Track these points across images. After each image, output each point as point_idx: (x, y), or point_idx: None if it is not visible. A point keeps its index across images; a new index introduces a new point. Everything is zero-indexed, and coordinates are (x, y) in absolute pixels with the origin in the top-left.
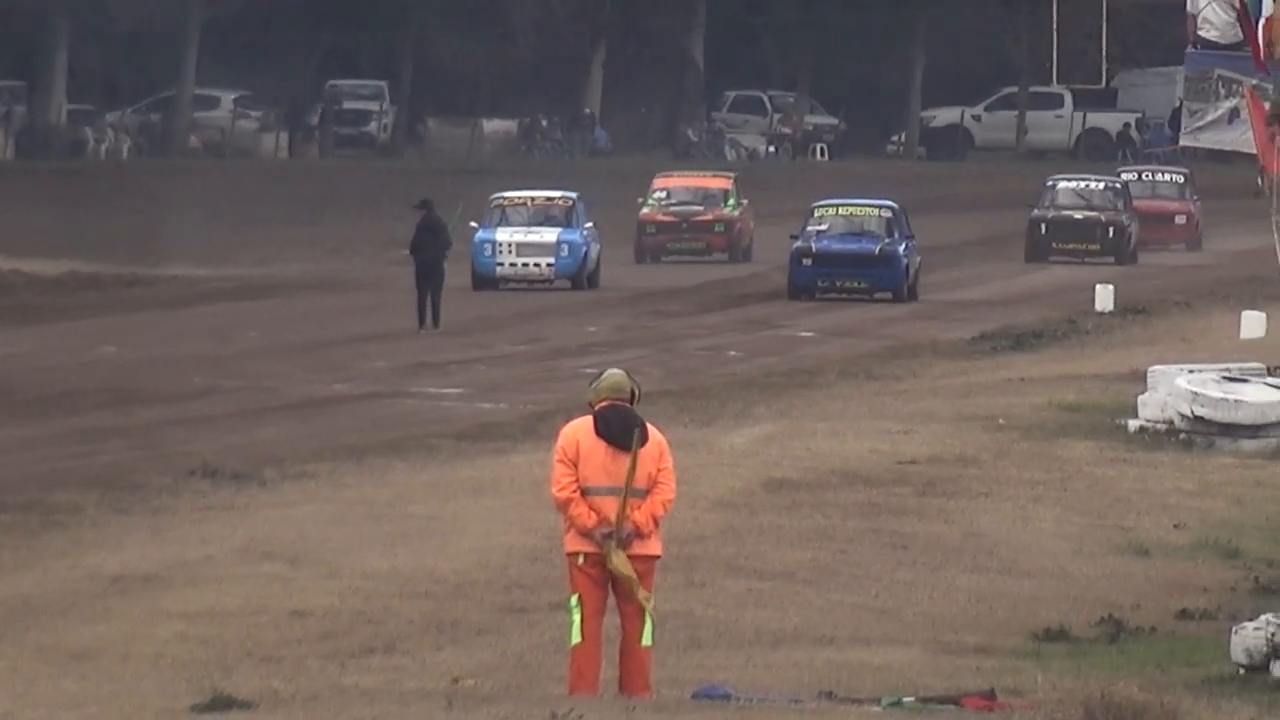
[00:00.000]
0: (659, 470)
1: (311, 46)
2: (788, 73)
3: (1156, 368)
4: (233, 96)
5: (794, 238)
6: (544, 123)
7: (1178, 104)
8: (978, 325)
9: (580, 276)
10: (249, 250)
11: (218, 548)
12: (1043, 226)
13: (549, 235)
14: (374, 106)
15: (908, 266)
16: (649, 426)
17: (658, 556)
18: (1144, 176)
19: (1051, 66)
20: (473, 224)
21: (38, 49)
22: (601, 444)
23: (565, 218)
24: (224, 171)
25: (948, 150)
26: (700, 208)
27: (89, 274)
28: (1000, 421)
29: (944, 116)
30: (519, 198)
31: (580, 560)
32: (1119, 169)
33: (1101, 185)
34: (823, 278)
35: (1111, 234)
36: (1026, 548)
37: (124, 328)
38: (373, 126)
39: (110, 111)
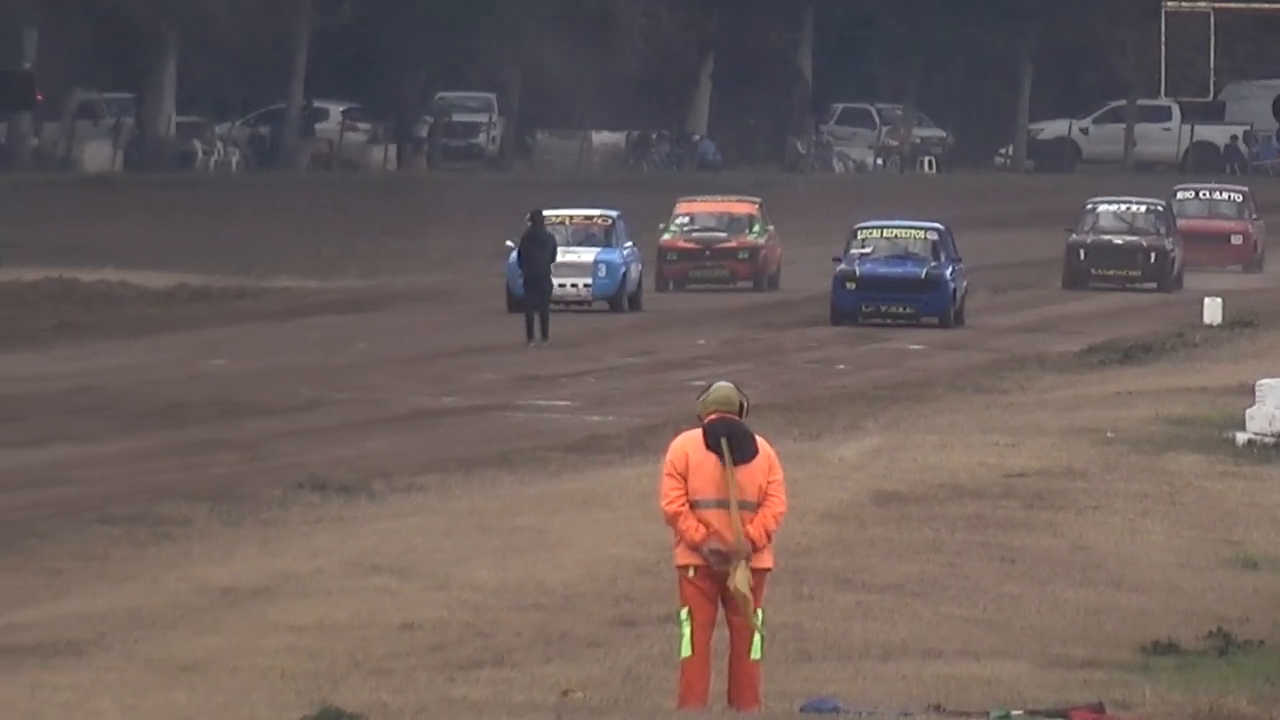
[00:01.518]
0: (769, 483)
1: (420, 59)
2: (896, 85)
3: (1265, 381)
4: (341, 109)
5: (837, 261)
6: (653, 136)
7: None
8: (1086, 338)
9: (619, 298)
10: (357, 262)
11: (327, 560)
12: (1081, 252)
13: (586, 255)
14: (483, 119)
15: (955, 291)
16: (758, 439)
17: (769, 569)
18: (1201, 195)
19: (1160, 79)
20: (509, 243)
21: (147, 61)
22: (712, 457)
23: (604, 237)
24: (332, 183)
25: (1056, 163)
26: (724, 234)
27: (198, 286)
28: (1108, 435)
29: (1052, 129)
30: (556, 216)
31: (690, 573)
32: (1175, 187)
33: (1144, 208)
34: (867, 303)
35: (1154, 259)
36: (1135, 561)
37: (233, 340)
38: (481, 139)
39: (219, 124)
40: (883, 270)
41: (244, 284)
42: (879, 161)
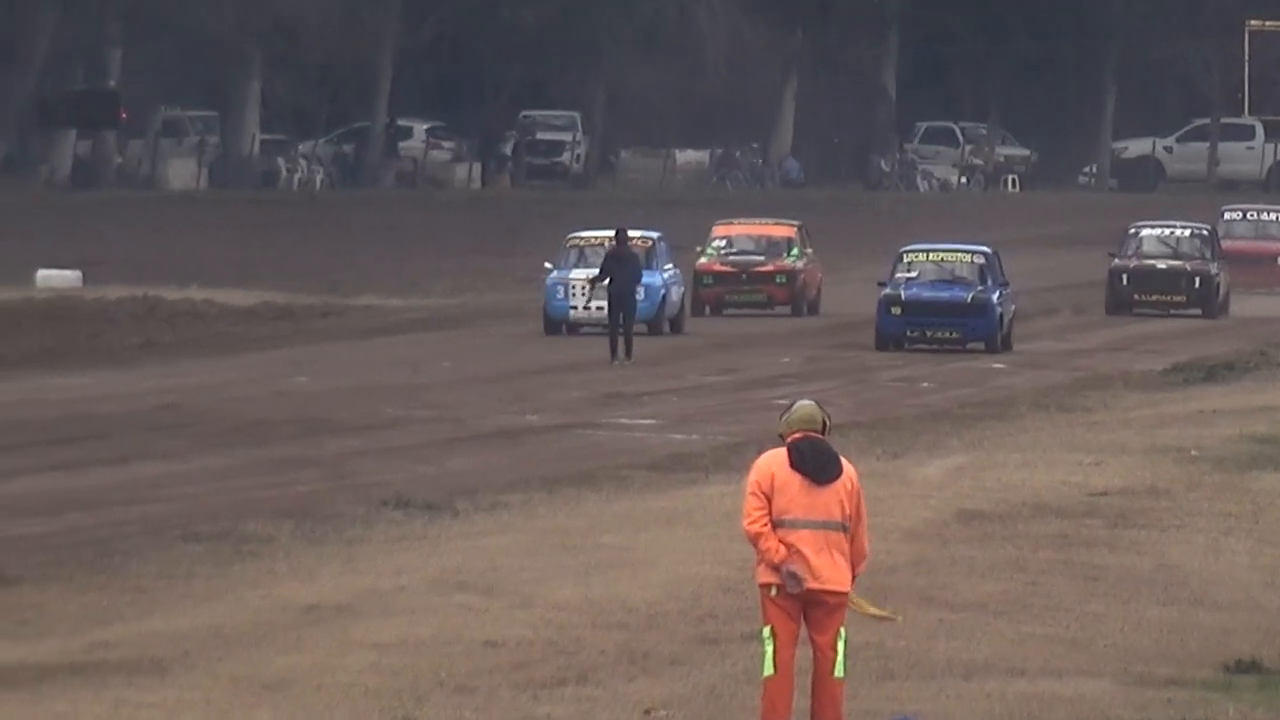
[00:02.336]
0: (855, 516)
1: (504, 77)
2: (979, 103)
3: None
4: (425, 127)
5: (881, 285)
6: (737, 154)
7: None
8: (1169, 357)
9: (658, 321)
10: (441, 280)
11: (410, 578)
12: (1124, 277)
13: None
14: (567, 137)
15: (1001, 316)
16: (843, 460)
17: (846, 593)
18: (1249, 216)
19: (1243, 97)
20: (546, 264)
21: (231, 79)
22: (797, 476)
23: (644, 259)
24: (416, 201)
25: (1139, 181)
26: (761, 257)
27: (282, 304)
28: (1192, 453)
29: (1135, 148)
30: (596, 238)
31: (772, 592)
32: (1223, 208)
33: (1188, 232)
34: (912, 327)
35: (1198, 284)
36: (1218, 579)
37: (317, 358)
38: (565, 157)
39: (303, 142)
40: (928, 294)
41: (328, 302)
42: (963, 180)
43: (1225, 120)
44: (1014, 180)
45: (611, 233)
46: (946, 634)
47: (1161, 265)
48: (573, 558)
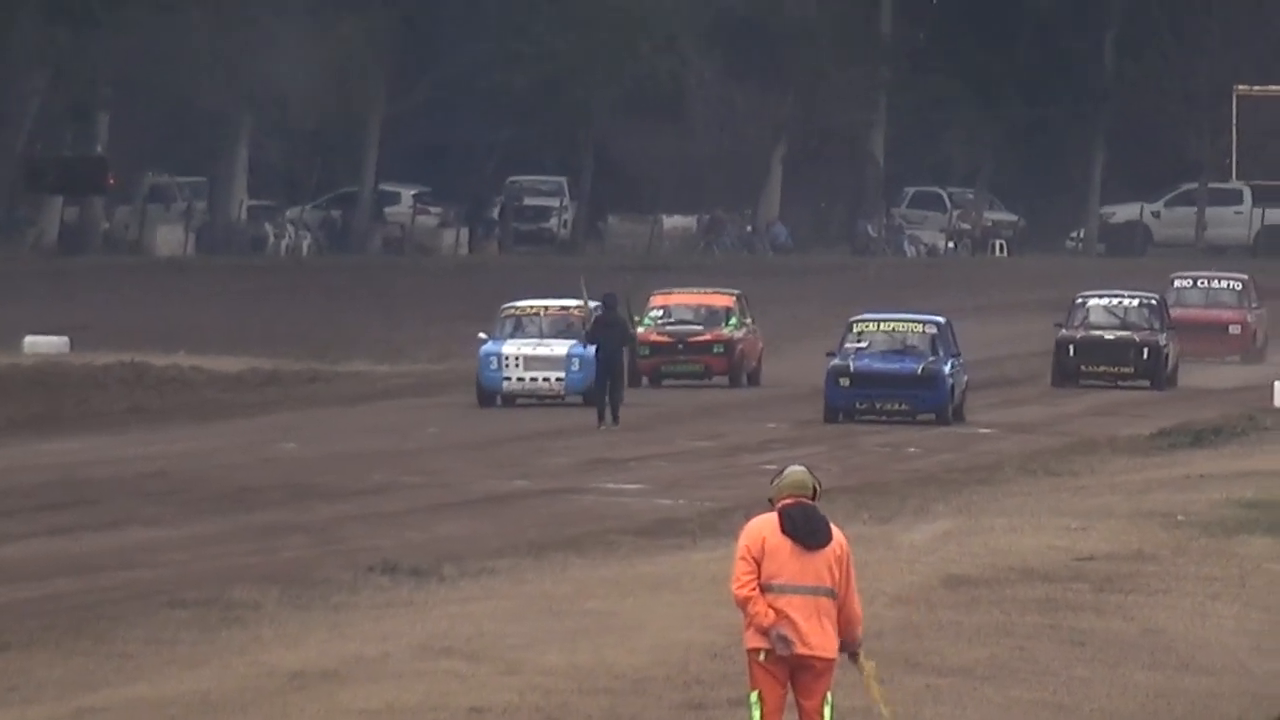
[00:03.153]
0: (845, 581)
1: (492, 142)
2: (967, 168)
3: None
4: (413, 193)
5: (831, 356)
6: (724, 219)
7: None
8: (1156, 421)
9: (593, 393)
10: (428, 346)
11: (397, 644)
12: (1070, 348)
13: (559, 348)
14: (554, 202)
15: (953, 387)
16: (832, 526)
17: (833, 659)
18: (1199, 283)
19: (1231, 162)
20: (481, 335)
21: (218, 146)
22: (787, 542)
23: (580, 329)
24: (404, 267)
25: (1127, 246)
26: (699, 327)
27: (269, 370)
28: (1179, 518)
29: (1123, 213)
30: (531, 307)
31: (760, 656)
32: (1173, 275)
33: (1136, 302)
34: (861, 399)
35: (1146, 355)
36: (1205, 644)
37: (304, 424)
38: (553, 223)
39: (291, 207)
40: (878, 366)
41: (315, 368)
42: (950, 245)
43: (1213, 185)
44: (1001, 245)
45: (546, 303)
46: (933, 699)
47: (1109, 336)
48: (559, 623)
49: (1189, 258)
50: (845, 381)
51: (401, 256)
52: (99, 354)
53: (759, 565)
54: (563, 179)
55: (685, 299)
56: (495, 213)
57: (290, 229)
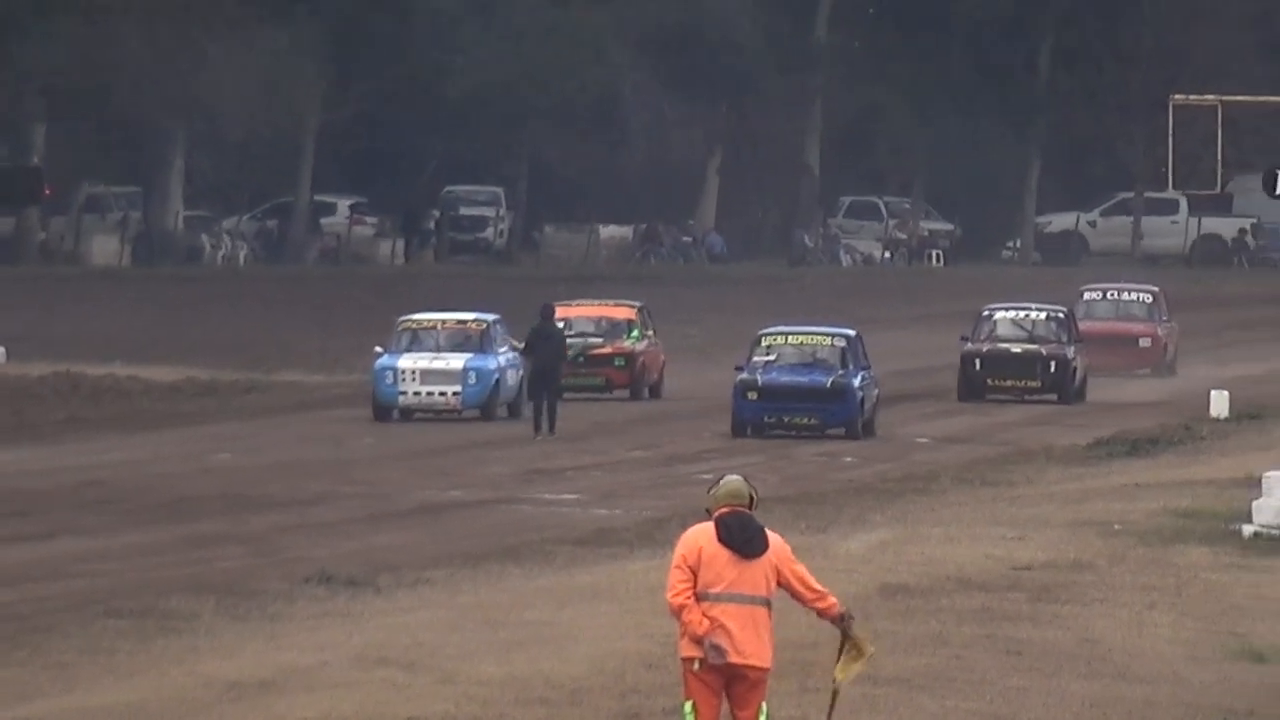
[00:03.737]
0: (793, 571)
1: (427, 153)
2: (903, 178)
3: (1272, 473)
4: (349, 203)
5: (739, 369)
6: (660, 229)
7: None
8: (1093, 431)
9: (491, 407)
10: (364, 356)
11: (333, 654)
12: (977, 362)
13: (456, 362)
14: (490, 213)
15: (863, 400)
16: (769, 533)
17: (768, 669)
18: (1109, 295)
19: (1167, 172)
20: (377, 348)
21: (154, 156)
22: (724, 551)
23: (478, 342)
24: (340, 278)
25: (1063, 256)
26: (600, 339)
27: (205, 380)
28: (1115, 527)
29: (1059, 222)
30: (428, 321)
31: (695, 666)
32: (1082, 287)
33: (1044, 315)
34: (769, 413)
35: (1054, 369)
36: (1141, 653)
37: (240, 434)
38: (489, 233)
39: (227, 218)
40: (786, 379)
41: (251, 378)
42: (886, 255)
43: (1149, 195)
44: (938, 255)
45: (443, 316)
46: (870, 709)
47: (1016, 349)
48: (496, 633)
49: (1125, 267)
50: (753, 395)
51: (338, 267)
52: (34, 364)
53: (695, 574)
54: (499, 189)
55: (585, 311)
56: (431, 223)
57: (226, 239)
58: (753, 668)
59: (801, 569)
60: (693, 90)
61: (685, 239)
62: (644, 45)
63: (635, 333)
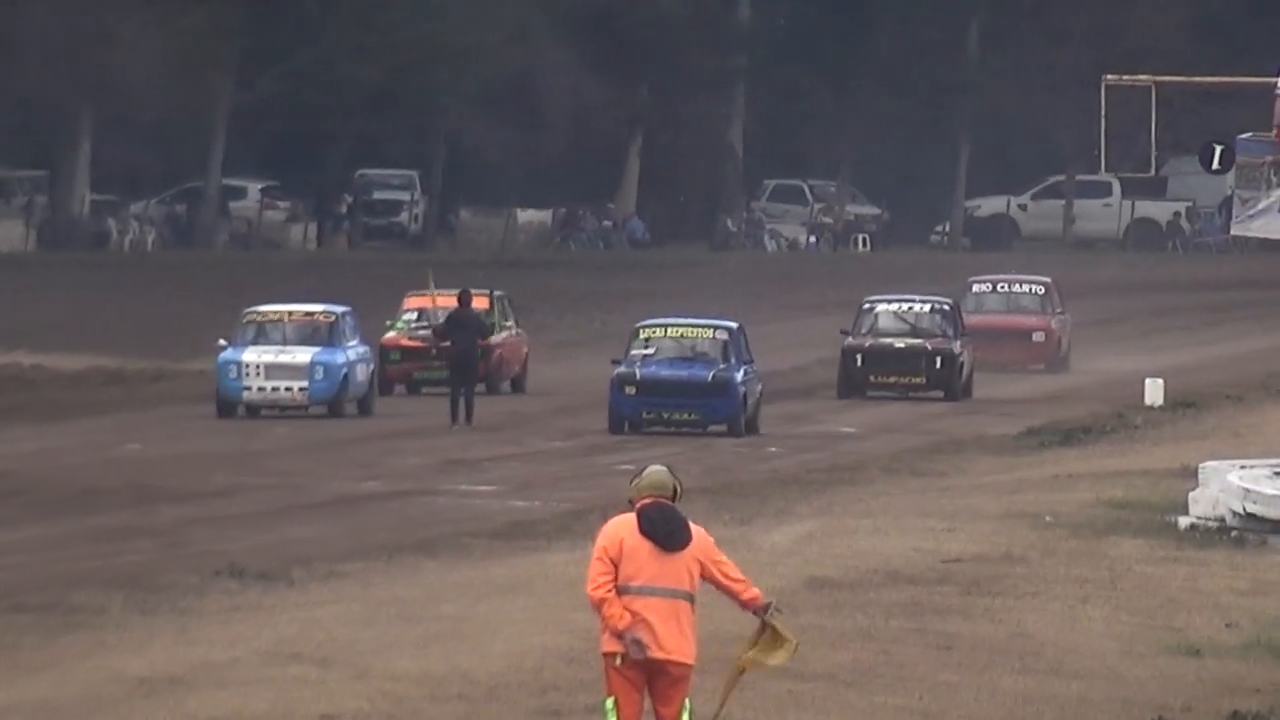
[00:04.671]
0: (716, 563)
1: (340, 135)
2: (829, 161)
3: (1208, 464)
4: (260, 186)
5: (616, 363)
6: (580, 213)
7: (1229, 192)
8: (1025, 420)
9: (340, 403)
10: None
11: (245, 649)
12: (858, 357)
13: (302, 356)
14: (404, 196)
15: (745, 396)
16: (692, 526)
17: (691, 665)
18: (999, 288)
19: (1099, 154)
20: (220, 341)
21: (60, 138)
22: (646, 543)
23: (327, 335)
24: (251, 263)
25: (994, 240)
26: None
27: (112, 369)
28: (1047, 519)
29: (989, 206)
30: (274, 313)
31: (617, 661)
32: (970, 279)
33: (928, 307)
34: (648, 409)
35: (940, 364)
36: (1074, 648)
37: (148, 424)
38: (403, 217)
39: (134, 202)
40: (666, 373)
41: (160, 366)
42: (812, 239)
43: (1081, 177)
44: (865, 239)
45: (290, 308)
46: (796, 705)
47: (899, 344)
48: (411, 628)
49: (1057, 251)
50: (631, 390)
51: (249, 252)
52: None
53: (616, 567)
54: (414, 172)
55: (440, 301)
56: (344, 207)
57: (134, 224)
58: (675, 663)
59: (724, 560)
60: (613, 71)
61: (606, 223)
62: (564, 24)
63: (492, 322)
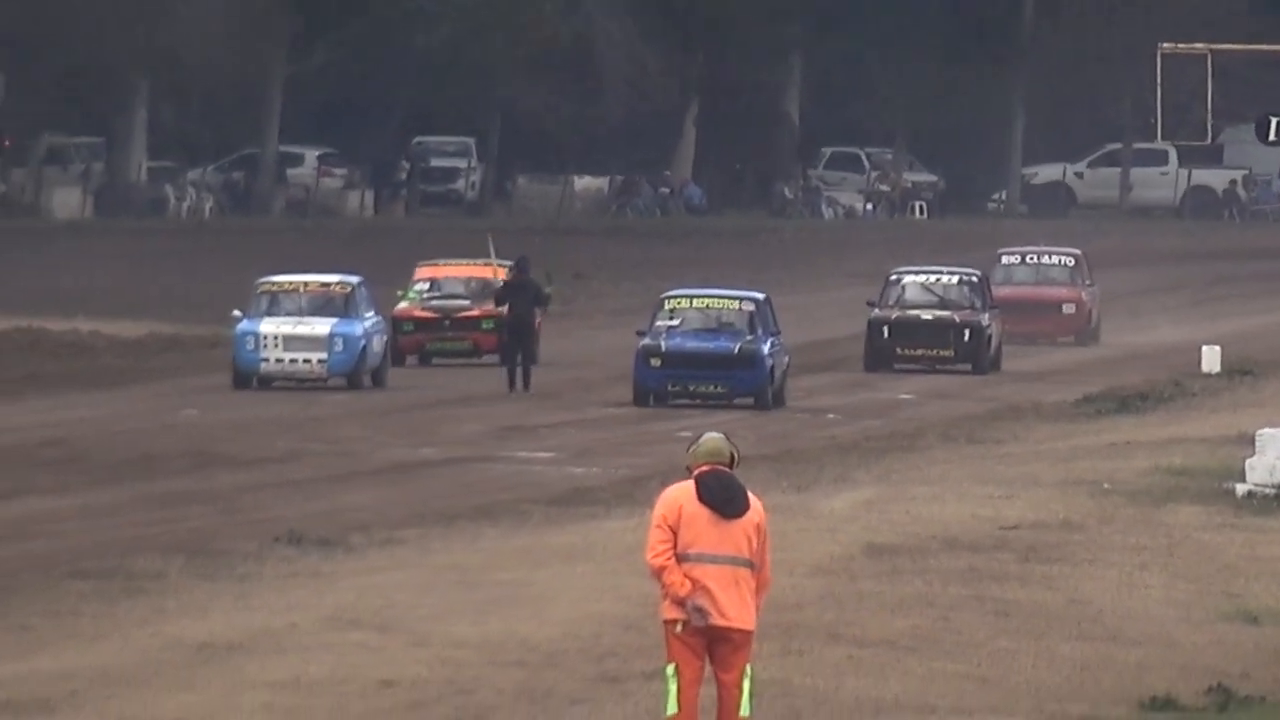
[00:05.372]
0: (761, 549)
1: (397, 102)
2: (886, 129)
3: (1265, 430)
4: (316, 154)
5: (640, 334)
6: (637, 181)
7: None
8: (1082, 387)
9: (358, 374)
10: None
11: (303, 615)
12: (885, 329)
13: (321, 327)
14: (461, 163)
15: (773, 368)
16: (750, 495)
17: (751, 631)
18: (1029, 259)
19: (1156, 122)
20: (235, 313)
21: (117, 105)
22: (705, 510)
23: (343, 307)
24: (308, 230)
25: (1050, 208)
26: (467, 301)
27: (170, 335)
28: (1105, 486)
29: (1046, 173)
30: (289, 283)
31: (677, 628)
32: (1000, 250)
33: (956, 279)
34: (673, 381)
35: (968, 337)
36: (1132, 615)
37: (206, 390)
38: (460, 184)
39: (191, 169)
40: (691, 345)
41: (217, 333)
42: (869, 207)
43: (1138, 145)
44: (921, 207)
45: (306, 278)
46: (854, 671)
47: (927, 316)
48: (470, 594)
49: (1113, 219)
50: (656, 362)
51: (305, 219)
52: None
53: (675, 534)
54: (470, 139)
55: (453, 271)
56: (402, 174)
57: (191, 191)
58: (736, 630)
59: (764, 561)
60: (670, 37)
61: (662, 190)
62: None
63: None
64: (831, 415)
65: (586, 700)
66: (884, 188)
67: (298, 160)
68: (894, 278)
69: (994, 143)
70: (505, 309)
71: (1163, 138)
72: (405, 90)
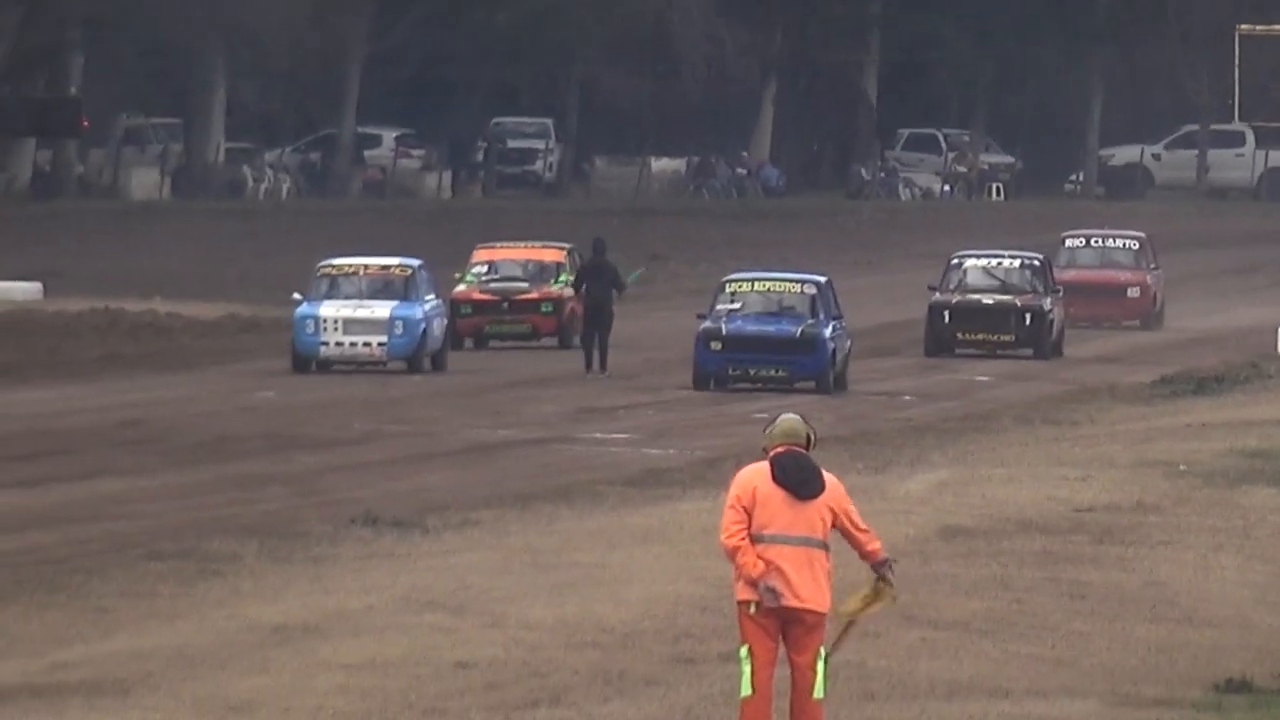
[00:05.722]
0: (846, 512)
1: (475, 83)
2: (963, 110)
3: None
4: (394, 135)
5: (701, 318)
6: (714, 162)
7: None
8: (1158, 369)
9: (418, 358)
10: None
11: (379, 597)
12: (945, 314)
13: (381, 311)
14: (539, 145)
15: (834, 352)
16: (825, 474)
17: (825, 613)
18: (1093, 242)
19: (1234, 104)
20: (295, 295)
21: (195, 87)
22: (779, 491)
23: (403, 290)
24: (385, 211)
25: (1127, 189)
26: (525, 284)
27: (247, 317)
28: (1181, 468)
29: (1123, 155)
30: (349, 266)
31: (751, 609)
32: (1064, 234)
33: (1018, 263)
34: (734, 365)
35: (1029, 321)
36: (1207, 597)
37: (283, 372)
38: (538, 165)
39: (269, 150)
40: (752, 328)
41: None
42: (946, 188)
43: (1215, 127)
44: (998, 188)
45: (365, 261)
46: (929, 653)
47: (988, 300)
48: (545, 576)
49: (1190, 200)
50: (717, 345)
51: (383, 200)
52: (72, 300)
53: (749, 515)
54: (548, 120)
55: (511, 254)
56: (479, 155)
57: (269, 172)
58: (810, 611)
59: (853, 509)
60: (747, 18)
61: (740, 171)
62: None
63: (564, 276)
64: (907, 397)
65: (661, 682)
66: (961, 169)
67: (375, 141)
68: (955, 261)
69: (1071, 124)
70: (583, 290)
71: (1240, 118)
72: (484, 70)
